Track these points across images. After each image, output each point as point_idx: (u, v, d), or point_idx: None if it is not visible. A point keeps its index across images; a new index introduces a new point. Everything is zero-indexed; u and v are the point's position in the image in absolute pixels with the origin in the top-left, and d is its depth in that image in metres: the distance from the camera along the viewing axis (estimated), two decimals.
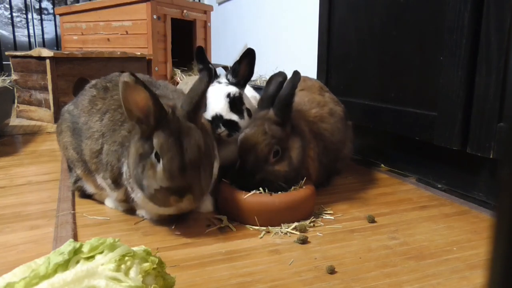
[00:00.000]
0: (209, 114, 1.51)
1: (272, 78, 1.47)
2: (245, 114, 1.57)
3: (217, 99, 1.52)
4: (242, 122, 1.54)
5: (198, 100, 1.23)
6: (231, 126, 1.51)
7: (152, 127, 1.15)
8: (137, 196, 1.24)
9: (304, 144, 1.43)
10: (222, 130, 1.49)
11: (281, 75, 1.45)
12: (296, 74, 1.38)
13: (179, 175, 1.12)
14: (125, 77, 1.10)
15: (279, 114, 1.36)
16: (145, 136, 1.17)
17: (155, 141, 1.13)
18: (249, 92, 1.80)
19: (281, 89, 1.39)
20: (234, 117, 1.53)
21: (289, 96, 1.36)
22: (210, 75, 1.55)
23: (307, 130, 1.49)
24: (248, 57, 1.59)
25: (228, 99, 1.52)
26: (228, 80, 1.61)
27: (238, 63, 1.60)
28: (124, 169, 1.26)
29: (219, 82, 1.60)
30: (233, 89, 1.55)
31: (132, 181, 1.21)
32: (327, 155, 1.56)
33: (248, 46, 1.64)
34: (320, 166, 1.53)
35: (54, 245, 1.13)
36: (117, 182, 1.30)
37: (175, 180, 1.12)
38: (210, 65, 1.64)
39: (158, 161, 1.13)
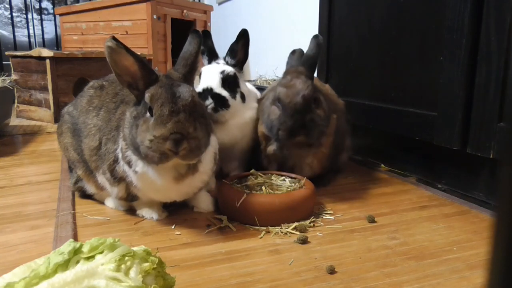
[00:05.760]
0: (200, 87, 1.53)
1: (294, 51, 1.65)
2: (238, 96, 1.59)
3: (210, 75, 1.57)
4: (232, 101, 1.55)
5: (193, 61, 1.24)
6: (220, 100, 1.53)
7: (142, 90, 1.16)
8: (136, 169, 1.20)
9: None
10: (209, 102, 1.51)
11: (301, 51, 1.64)
12: (317, 36, 1.55)
13: (171, 120, 1.08)
14: (109, 41, 1.12)
15: (309, 69, 1.51)
16: (139, 100, 1.18)
17: (147, 95, 1.13)
18: (253, 89, 1.82)
19: (309, 51, 1.55)
20: (224, 93, 1.55)
21: (317, 54, 1.53)
22: (212, 55, 1.67)
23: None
24: (243, 38, 1.63)
25: (221, 75, 1.56)
26: (226, 62, 1.66)
27: (235, 43, 1.64)
28: (120, 146, 1.24)
29: (217, 63, 1.66)
30: (228, 68, 1.59)
31: (129, 144, 1.18)
32: (337, 135, 1.62)
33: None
34: (334, 139, 1.59)
35: (54, 245, 1.13)
36: (113, 171, 1.28)
37: (168, 125, 1.07)
38: (213, 47, 1.70)
39: (152, 116, 1.11)
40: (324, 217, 1.35)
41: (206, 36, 1.68)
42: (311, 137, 1.42)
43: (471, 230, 1.24)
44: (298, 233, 1.21)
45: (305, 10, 3.51)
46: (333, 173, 1.74)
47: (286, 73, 1.56)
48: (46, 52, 3.09)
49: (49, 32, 5.73)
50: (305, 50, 1.64)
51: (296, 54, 1.64)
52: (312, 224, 1.28)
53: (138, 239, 1.19)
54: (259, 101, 1.73)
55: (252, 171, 1.53)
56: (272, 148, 1.54)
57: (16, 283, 0.68)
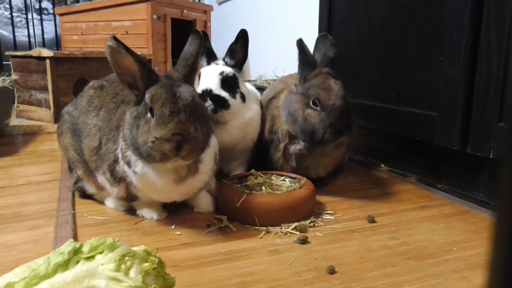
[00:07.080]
0: (199, 89, 1.53)
1: (302, 46, 1.61)
2: (238, 96, 1.59)
3: (209, 76, 1.57)
4: (232, 101, 1.56)
5: (194, 62, 1.25)
6: (219, 101, 1.53)
7: (142, 91, 1.16)
8: (135, 169, 1.20)
9: None
10: (209, 104, 1.52)
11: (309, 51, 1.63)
12: (326, 35, 1.60)
13: (173, 121, 1.08)
14: (109, 41, 1.12)
15: (332, 70, 1.54)
16: (139, 101, 1.18)
17: (147, 96, 1.13)
18: (253, 89, 1.83)
19: (327, 51, 1.57)
20: (224, 94, 1.55)
21: (336, 54, 1.57)
22: (211, 56, 1.68)
23: None
24: (242, 38, 1.63)
25: (220, 77, 1.57)
26: (225, 62, 1.66)
27: (234, 44, 1.64)
28: (120, 146, 1.24)
29: (216, 64, 1.66)
30: (228, 69, 1.60)
31: (129, 144, 1.18)
32: None
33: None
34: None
35: (54, 245, 1.13)
36: (113, 171, 1.28)
37: (169, 125, 1.07)
38: (211, 48, 1.72)
39: (153, 116, 1.11)
40: (324, 217, 1.35)
41: (204, 37, 1.69)
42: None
43: (471, 230, 1.24)
44: (298, 233, 1.21)
45: (305, 10, 3.51)
46: (333, 173, 1.74)
47: (314, 74, 1.52)
48: (46, 52, 3.09)
49: (49, 32, 5.73)
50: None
51: (305, 47, 1.59)
52: (312, 224, 1.28)
53: (138, 239, 1.19)
54: (270, 100, 1.73)
55: (252, 171, 1.53)
56: (297, 147, 1.53)
57: (16, 283, 0.68)
